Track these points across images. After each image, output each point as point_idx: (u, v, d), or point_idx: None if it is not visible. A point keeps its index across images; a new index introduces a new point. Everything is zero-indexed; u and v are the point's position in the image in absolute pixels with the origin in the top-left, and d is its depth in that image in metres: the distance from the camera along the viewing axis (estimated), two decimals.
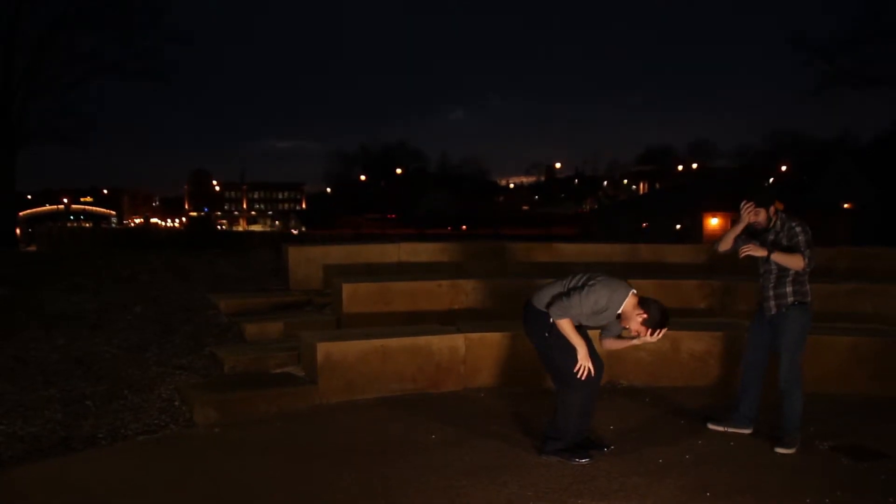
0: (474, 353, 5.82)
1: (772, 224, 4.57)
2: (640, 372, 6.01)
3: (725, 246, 4.70)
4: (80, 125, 24.24)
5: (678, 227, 39.45)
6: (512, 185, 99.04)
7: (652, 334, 4.09)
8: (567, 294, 4.10)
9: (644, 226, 40.60)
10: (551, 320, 4.11)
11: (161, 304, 7.51)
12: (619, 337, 4.30)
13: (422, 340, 5.72)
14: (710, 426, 4.82)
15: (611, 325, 4.26)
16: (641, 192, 74.29)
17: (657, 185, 71.58)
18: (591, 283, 4.09)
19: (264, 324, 6.62)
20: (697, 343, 6.03)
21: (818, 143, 61.17)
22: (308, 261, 8.04)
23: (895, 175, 37.22)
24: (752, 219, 4.57)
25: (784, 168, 59.99)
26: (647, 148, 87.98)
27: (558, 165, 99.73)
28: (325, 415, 5.09)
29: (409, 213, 65.25)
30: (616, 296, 4.08)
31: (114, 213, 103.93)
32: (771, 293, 4.57)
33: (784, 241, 4.52)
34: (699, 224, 38.51)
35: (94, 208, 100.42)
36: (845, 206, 40.19)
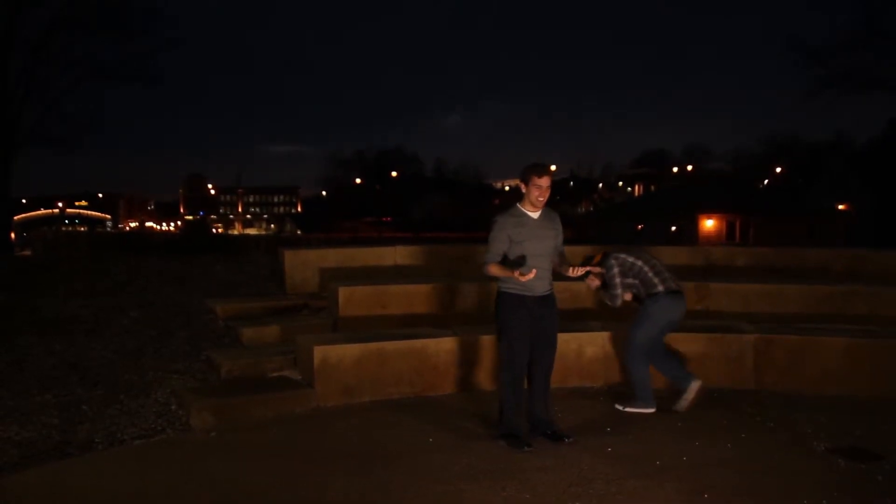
0: (471, 355, 5.82)
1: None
2: None
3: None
4: (74, 129, 24.08)
5: (673, 229, 39.55)
6: (508, 188, 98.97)
7: (540, 188, 4.42)
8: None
9: (639, 228, 40.67)
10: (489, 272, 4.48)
11: (157, 308, 7.48)
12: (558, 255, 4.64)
13: (418, 343, 5.72)
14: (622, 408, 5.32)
15: (543, 243, 4.50)
16: (637, 194, 74.38)
17: (652, 188, 71.74)
18: (492, 224, 4.51)
19: (261, 328, 6.60)
20: (694, 345, 6.03)
21: (813, 146, 61.43)
22: (304, 264, 8.03)
23: (890, 177, 37.40)
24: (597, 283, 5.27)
25: (779, 170, 60.19)
26: (643, 151, 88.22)
27: (553, 168, 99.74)
28: (321, 418, 5.08)
29: (406, 216, 65.17)
30: (509, 210, 4.52)
31: (109, 217, 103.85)
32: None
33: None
34: (694, 226, 38.60)
35: (89, 212, 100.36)
36: (840, 208, 40.38)
